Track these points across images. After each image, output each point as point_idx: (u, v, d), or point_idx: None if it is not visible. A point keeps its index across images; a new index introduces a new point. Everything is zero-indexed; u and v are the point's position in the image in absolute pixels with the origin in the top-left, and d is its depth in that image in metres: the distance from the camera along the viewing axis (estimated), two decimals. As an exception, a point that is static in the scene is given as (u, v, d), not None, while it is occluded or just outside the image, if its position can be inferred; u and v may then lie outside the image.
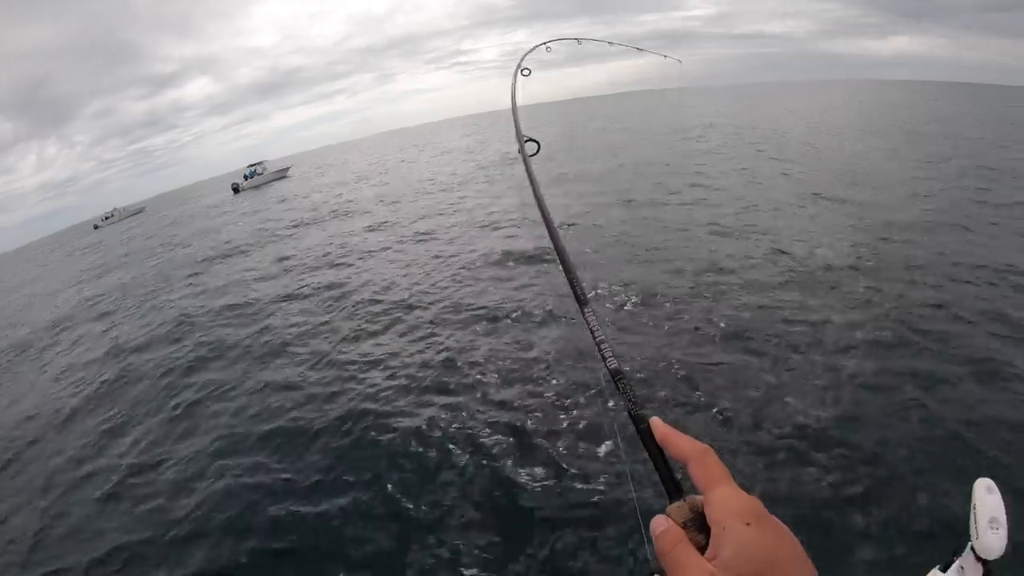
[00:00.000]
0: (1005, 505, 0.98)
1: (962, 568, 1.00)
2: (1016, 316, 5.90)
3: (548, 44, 2.09)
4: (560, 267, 0.85)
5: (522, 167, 1.23)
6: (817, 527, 3.41)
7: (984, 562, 0.90)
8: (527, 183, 1.13)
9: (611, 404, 4.94)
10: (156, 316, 11.44)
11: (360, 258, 12.35)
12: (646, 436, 0.59)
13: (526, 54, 1.88)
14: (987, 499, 0.91)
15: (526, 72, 1.85)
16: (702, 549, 0.49)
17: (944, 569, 1.24)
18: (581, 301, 0.77)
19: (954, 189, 12.20)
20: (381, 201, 21.01)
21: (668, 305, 6.98)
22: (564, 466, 4.29)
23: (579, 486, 4.07)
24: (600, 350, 0.69)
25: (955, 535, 1.42)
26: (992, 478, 0.99)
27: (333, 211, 21.03)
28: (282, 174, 53.10)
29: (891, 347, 5.52)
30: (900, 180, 13.44)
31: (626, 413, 0.62)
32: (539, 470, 4.30)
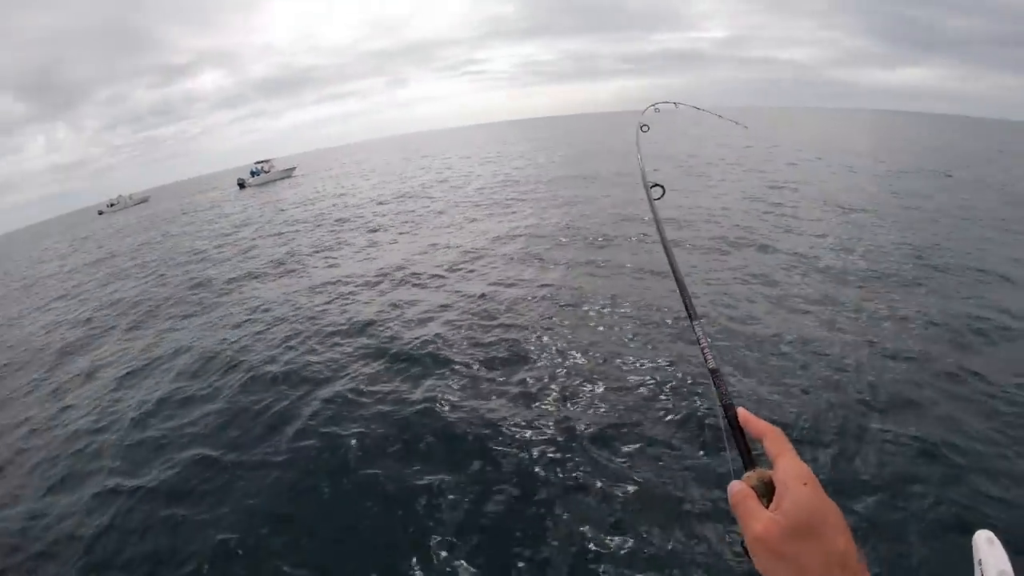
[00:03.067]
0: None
1: None
2: None
3: (656, 105, 2.43)
4: (676, 286, 1.10)
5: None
6: None
7: None
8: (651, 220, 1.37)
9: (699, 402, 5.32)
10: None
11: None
12: (733, 421, 0.77)
13: (643, 112, 2.17)
14: (992, 552, 0.90)
15: (645, 129, 2.18)
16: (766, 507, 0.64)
17: None
18: (692, 316, 1.00)
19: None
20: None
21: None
22: (666, 447, 4.78)
23: (675, 465, 4.56)
24: (704, 354, 0.90)
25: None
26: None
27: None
28: (288, 173, 53.43)
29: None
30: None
31: (719, 404, 0.80)
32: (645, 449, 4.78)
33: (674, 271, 1.15)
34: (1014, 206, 14.33)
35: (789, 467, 0.65)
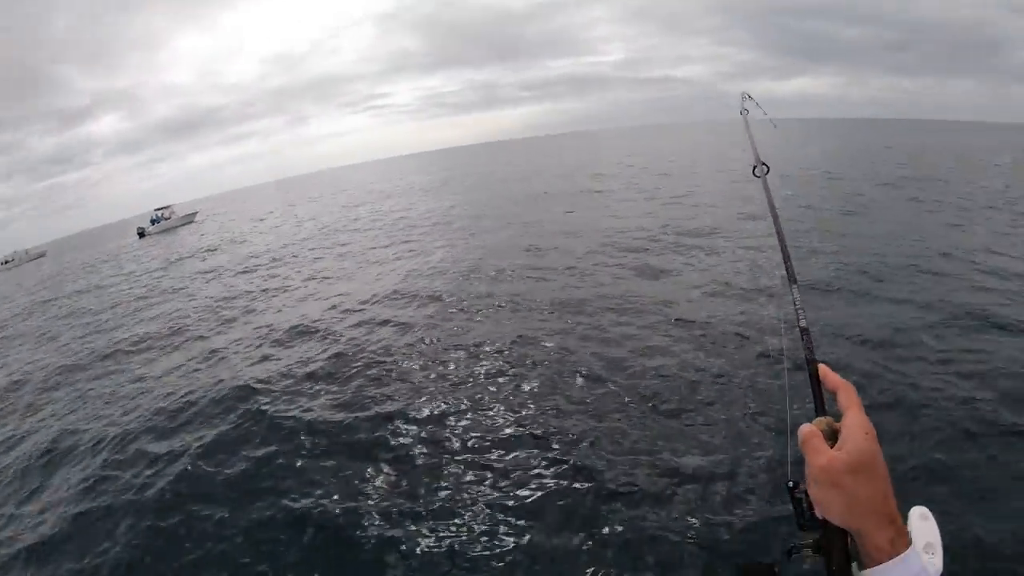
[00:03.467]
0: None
1: None
2: None
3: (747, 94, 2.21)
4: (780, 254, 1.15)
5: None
6: None
7: None
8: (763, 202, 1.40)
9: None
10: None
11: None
12: (814, 375, 0.87)
13: (743, 101, 2.11)
14: (922, 526, 0.93)
15: (745, 111, 2.10)
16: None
17: None
18: (792, 279, 1.07)
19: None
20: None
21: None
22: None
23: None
24: (797, 314, 1.00)
25: None
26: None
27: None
28: (189, 219, 52.31)
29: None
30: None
31: (804, 357, 0.89)
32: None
33: (780, 238, 1.22)
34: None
35: (855, 418, 0.75)
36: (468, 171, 53.93)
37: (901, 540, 0.68)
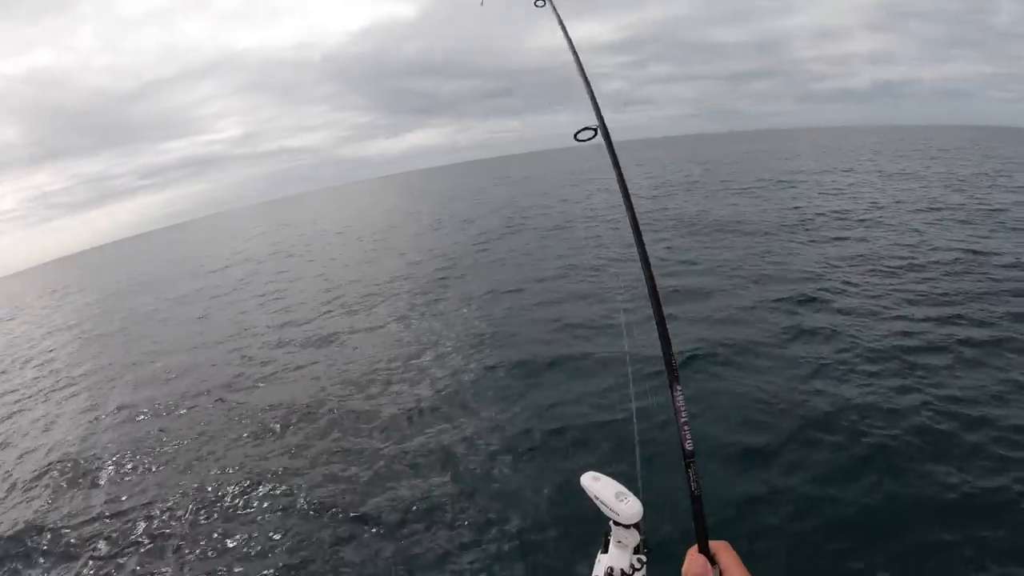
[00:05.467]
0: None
1: (620, 541, 1.07)
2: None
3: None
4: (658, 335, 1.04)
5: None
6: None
7: (634, 525, 1.01)
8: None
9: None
10: None
11: None
12: (699, 518, 0.87)
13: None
14: (599, 486, 1.00)
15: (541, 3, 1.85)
16: None
17: (605, 550, 1.29)
18: (675, 379, 0.96)
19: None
20: None
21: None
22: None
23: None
24: (681, 430, 0.91)
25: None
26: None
27: None
28: None
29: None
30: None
31: (692, 492, 0.89)
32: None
33: (658, 310, 1.10)
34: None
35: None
36: (79, 289, 36.68)
37: None
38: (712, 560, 0.80)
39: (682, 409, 0.92)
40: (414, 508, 4.78)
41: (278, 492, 5.43)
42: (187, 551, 4.79)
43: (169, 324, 14.78)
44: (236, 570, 4.46)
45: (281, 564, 4.42)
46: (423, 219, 28.56)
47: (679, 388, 0.95)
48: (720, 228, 14.26)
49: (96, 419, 8.48)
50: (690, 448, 0.88)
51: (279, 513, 5.10)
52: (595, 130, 1.41)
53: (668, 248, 12.57)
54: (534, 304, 9.99)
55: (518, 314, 9.60)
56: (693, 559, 0.78)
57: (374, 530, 4.63)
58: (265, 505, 5.27)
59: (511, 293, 10.85)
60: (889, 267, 9.58)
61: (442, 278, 13.16)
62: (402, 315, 10.67)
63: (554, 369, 7.08)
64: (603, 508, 1.00)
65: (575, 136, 1.39)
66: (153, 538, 5.08)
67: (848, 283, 8.89)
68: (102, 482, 6.39)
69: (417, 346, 8.74)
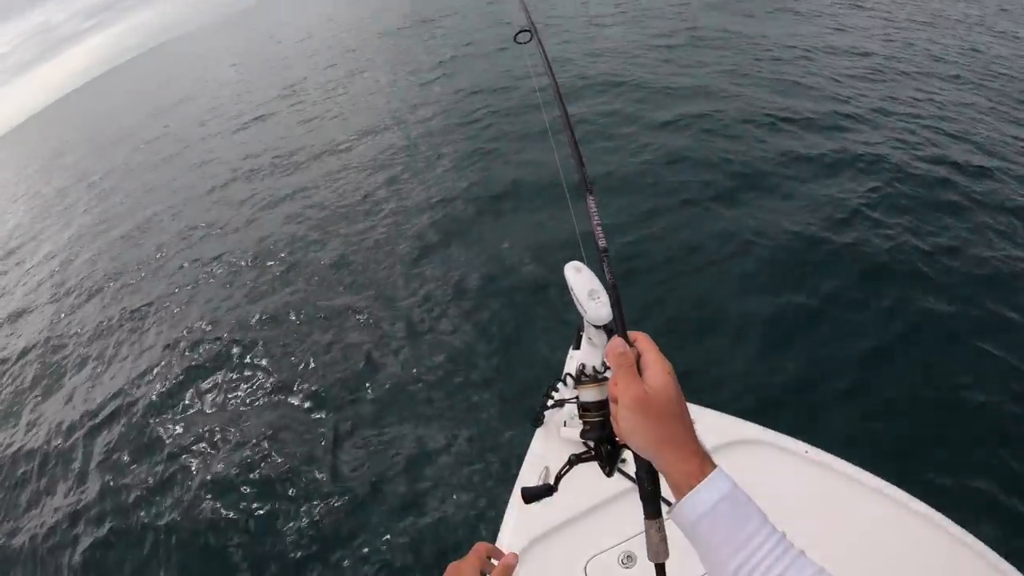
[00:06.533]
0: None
1: (590, 339, 1.14)
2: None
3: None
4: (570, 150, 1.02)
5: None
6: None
7: (604, 328, 1.03)
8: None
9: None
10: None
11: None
12: (617, 304, 0.86)
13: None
14: (578, 278, 1.00)
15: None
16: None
17: (577, 346, 1.48)
18: (589, 189, 0.95)
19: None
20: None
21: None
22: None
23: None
24: (594, 229, 0.88)
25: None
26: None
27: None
28: None
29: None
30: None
31: (609, 283, 0.86)
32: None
33: (570, 132, 1.06)
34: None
35: (657, 356, 0.75)
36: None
37: (708, 465, 0.69)
38: (630, 344, 0.81)
39: (594, 212, 0.91)
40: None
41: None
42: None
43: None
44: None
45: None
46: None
47: (591, 198, 0.94)
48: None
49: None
50: (603, 245, 0.87)
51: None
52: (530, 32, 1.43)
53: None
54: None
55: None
56: (614, 341, 0.79)
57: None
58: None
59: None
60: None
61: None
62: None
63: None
64: (575, 302, 1.03)
65: (515, 38, 1.45)
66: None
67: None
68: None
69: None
